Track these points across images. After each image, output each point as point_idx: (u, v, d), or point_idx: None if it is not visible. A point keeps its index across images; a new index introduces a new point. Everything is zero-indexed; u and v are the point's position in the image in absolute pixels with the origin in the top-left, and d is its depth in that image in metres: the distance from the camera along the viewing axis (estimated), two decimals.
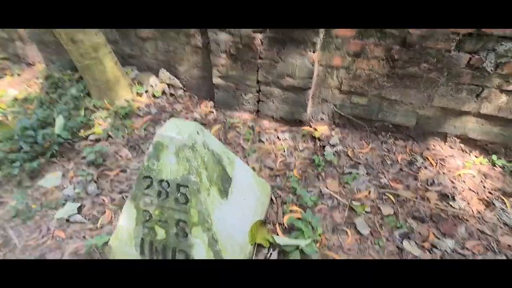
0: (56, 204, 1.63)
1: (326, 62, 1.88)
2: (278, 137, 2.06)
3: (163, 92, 2.41)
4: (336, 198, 1.61)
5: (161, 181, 1.08)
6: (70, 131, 2.03)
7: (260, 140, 2.05)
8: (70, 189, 1.71)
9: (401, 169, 1.78)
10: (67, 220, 1.54)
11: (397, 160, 1.84)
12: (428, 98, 1.78)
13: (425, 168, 1.77)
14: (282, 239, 1.34)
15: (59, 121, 2.03)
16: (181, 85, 2.48)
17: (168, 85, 2.45)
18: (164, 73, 2.44)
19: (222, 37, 1.96)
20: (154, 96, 2.38)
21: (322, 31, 1.74)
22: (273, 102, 2.11)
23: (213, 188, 1.14)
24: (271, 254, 1.33)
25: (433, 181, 1.68)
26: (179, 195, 1.08)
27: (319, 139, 2.00)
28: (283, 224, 1.48)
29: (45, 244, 1.44)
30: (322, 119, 2.14)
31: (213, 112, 2.31)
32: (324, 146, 1.95)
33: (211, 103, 2.37)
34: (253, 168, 1.81)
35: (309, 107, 2.08)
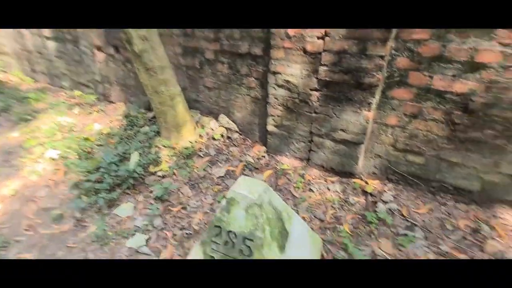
0: (128, 233, 1.85)
1: (381, 120, 1.94)
2: (328, 188, 2.11)
3: (221, 135, 2.66)
4: None
5: (229, 232, 1.21)
6: (142, 166, 2.34)
7: (310, 189, 2.11)
8: (139, 220, 1.94)
9: (464, 237, 1.68)
10: (137, 251, 1.73)
11: (459, 226, 1.74)
12: (495, 164, 1.71)
13: (493, 238, 1.64)
14: None
15: (135, 157, 2.36)
16: (237, 129, 2.71)
17: (226, 128, 2.71)
18: (223, 118, 2.71)
19: (281, 92, 2.16)
20: (213, 138, 2.64)
21: (378, 93, 1.83)
22: (324, 153, 2.20)
23: (273, 244, 1.23)
24: None
25: (503, 256, 1.54)
26: (244, 247, 1.19)
27: (371, 194, 2.00)
28: None
29: None
30: (374, 173, 2.14)
31: (265, 157, 2.46)
32: (376, 202, 1.93)
33: (264, 148, 2.54)
34: (304, 218, 1.86)
35: (361, 160, 2.11)
